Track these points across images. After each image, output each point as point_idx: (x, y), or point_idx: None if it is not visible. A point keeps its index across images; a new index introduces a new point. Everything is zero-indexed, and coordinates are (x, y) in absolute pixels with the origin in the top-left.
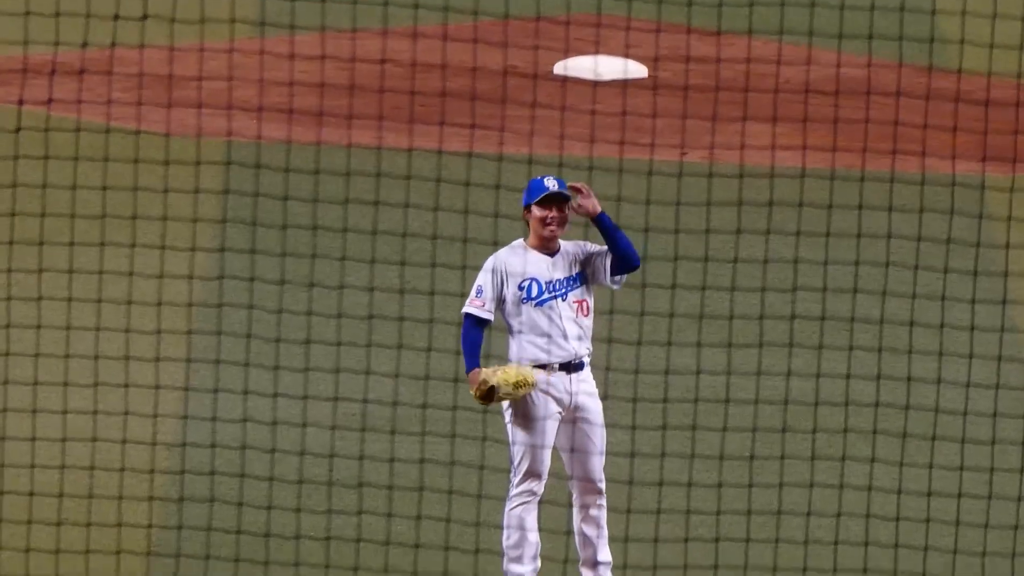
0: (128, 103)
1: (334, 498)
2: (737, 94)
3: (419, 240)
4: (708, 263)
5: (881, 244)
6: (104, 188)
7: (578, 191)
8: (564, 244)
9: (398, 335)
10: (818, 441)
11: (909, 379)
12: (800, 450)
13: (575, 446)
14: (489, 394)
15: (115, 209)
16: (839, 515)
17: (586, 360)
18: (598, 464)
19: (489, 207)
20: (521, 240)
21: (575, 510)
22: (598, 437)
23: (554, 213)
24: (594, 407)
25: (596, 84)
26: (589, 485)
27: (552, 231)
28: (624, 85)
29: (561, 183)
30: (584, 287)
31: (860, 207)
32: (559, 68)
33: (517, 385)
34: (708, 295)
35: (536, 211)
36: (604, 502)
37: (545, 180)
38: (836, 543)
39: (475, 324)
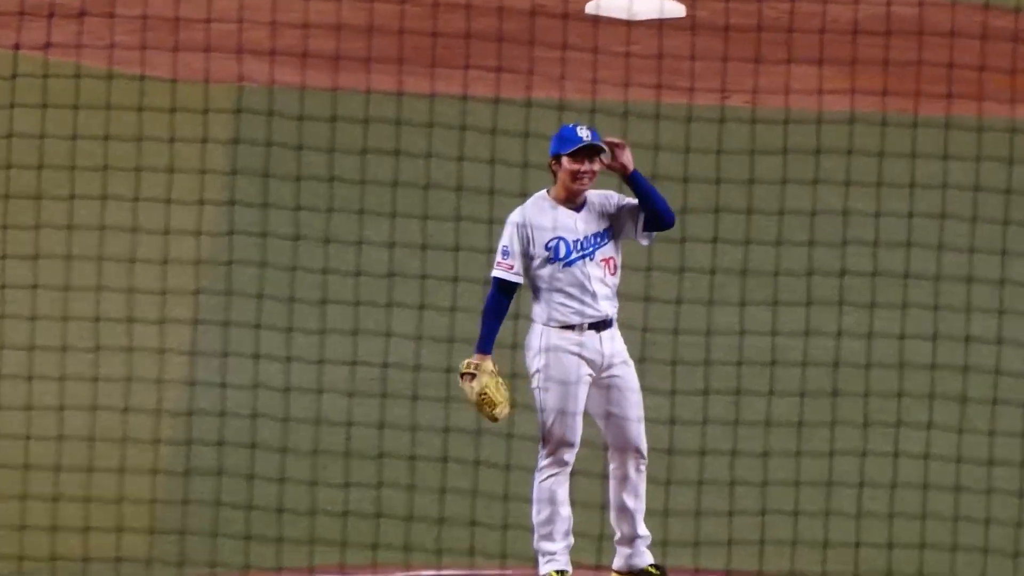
0: (131, 47)
1: (351, 470)
2: (781, 34)
3: (442, 192)
4: (751, 216)
5: (936, 194)
6: (106, 138)
7: (616, 146)
8: (590, 196)
9: (420, 294)
10: (871, 406)
11: (967, 339)
12: (852, 415)
13: (611, 410)
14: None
15: (117, 160)
16: (894, 486)
17: (614, 319)
18: (637, 428)
19: (517, 156)
20: (544, 192)
21: (611, 481)
22: (636, 399)
23: (587, 167)
24: (628, 368)
25: (630, 24)
26: (629, 450)
27: (583, 185)
28: (660, 25)
29: (595, 134)
30: (612, 243)
31: (913, 155)
32: (591, 7)
33: (488, 404)
34: (751, 250)
35: (567, 163)
36: (644, 468)
37: (578, 129)
38: (891, 515)
39: (502, 289)
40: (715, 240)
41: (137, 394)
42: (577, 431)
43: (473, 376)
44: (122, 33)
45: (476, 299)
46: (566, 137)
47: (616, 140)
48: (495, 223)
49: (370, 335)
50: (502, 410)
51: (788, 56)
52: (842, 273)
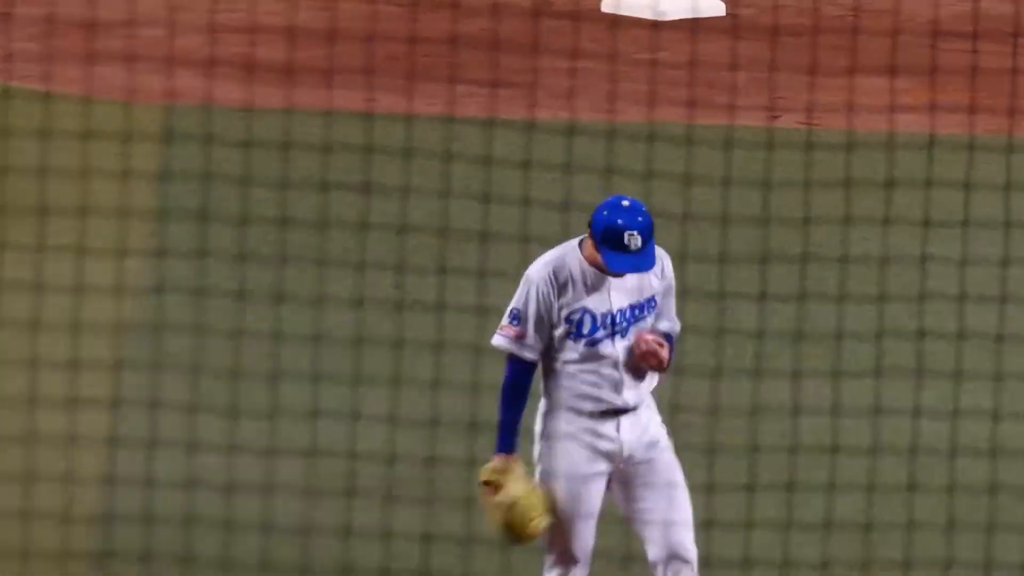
0: (32, 57)
1: None
2: (843, 37)
3: (422, 236)
4: (807, 264)
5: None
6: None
7: (649, 353)
8: None
9: (394, 364)
10: (957, 502)
11: None
12: (933, 515)
13: (639, 509)
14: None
15: (15, 199)
16: None
17: (646, 400)
18: (679, 532)
19: (516, 191)
20: (575, 244)
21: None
22: (674, 494)
23: (623, 278)
24: (661, 452)
25: (657, 25)
26: (670, 561)
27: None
28: (694, 26)
29: (646, 231)
30: (653, 316)
31: (1008, 187)
32: (608, 5)
33: (519, 520)
34: (807, 307)
35: (598, 257)
36: None
37: (627, 237)
38: None
39: (521, 366)
40: (763, 296)
41: (42, 495)
42: (587, 540)
43: (499, 487)
44: (21, 39)
45: (463, 371)
46: (610, 233)
47: (653, 345)
48: (490, 276)
49: (333, 417)
50: (538, 524)
51: (852, 65)
52: (920, 334)
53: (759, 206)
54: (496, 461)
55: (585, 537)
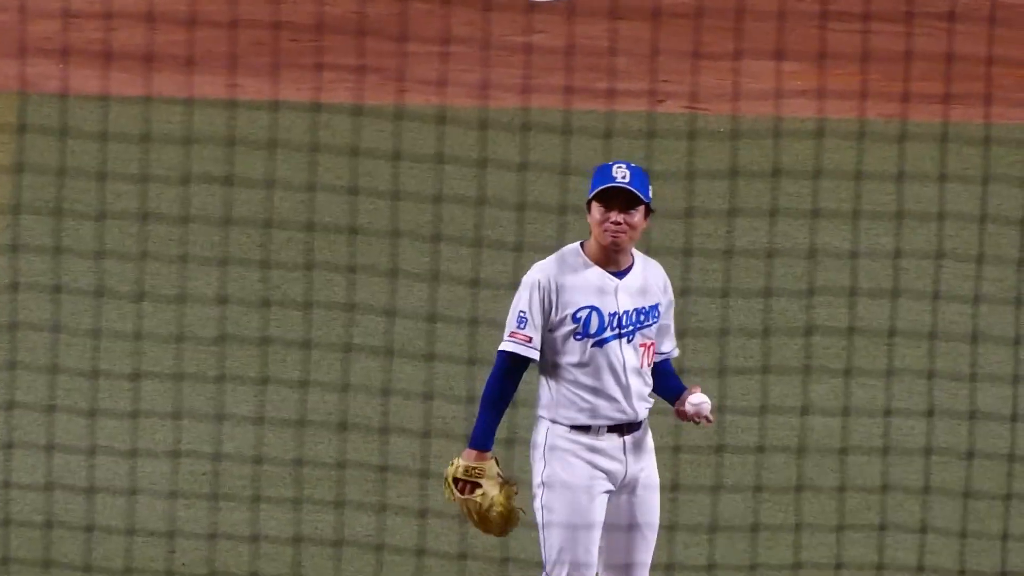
0: None
1: None
2: (728, 18)
3: (289, 231)
4: (692, 257)
5: (929, 228)
6: None
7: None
8: (639, 260)
9: (262, 361)
10: (849, 501)
11: None
12: (823, 515)
13: (614, 541)
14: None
15: None
16: None
17: (646, 421)
18: (646, 550)
19: (385, 182)
20: (577, 246)
21: None
22: (655, 514)
23: (618, 217)
24: (653, 477)
25: (533, 6)
26: None
27: (615, 238)
28: (571, 7)
29: (639, 174)
30: (655, 326)
31: (900, 176)
32: None
33: (500, 519)
34: (691, 301)
35: (595, 210)
36: None
37: (615, 168)
38: None
39: (512, 368)
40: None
41: None
42: (593, 551)
43: (474, 484)
44: None
45: (333, 370)
46: (596, 176)
47: (704, 414)
48: (358, 272)
49: (197, 418)
50: (513, 523)
51: (737, 47)
52: (808, 330)
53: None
54: (470, 460)
55: (593, 548)
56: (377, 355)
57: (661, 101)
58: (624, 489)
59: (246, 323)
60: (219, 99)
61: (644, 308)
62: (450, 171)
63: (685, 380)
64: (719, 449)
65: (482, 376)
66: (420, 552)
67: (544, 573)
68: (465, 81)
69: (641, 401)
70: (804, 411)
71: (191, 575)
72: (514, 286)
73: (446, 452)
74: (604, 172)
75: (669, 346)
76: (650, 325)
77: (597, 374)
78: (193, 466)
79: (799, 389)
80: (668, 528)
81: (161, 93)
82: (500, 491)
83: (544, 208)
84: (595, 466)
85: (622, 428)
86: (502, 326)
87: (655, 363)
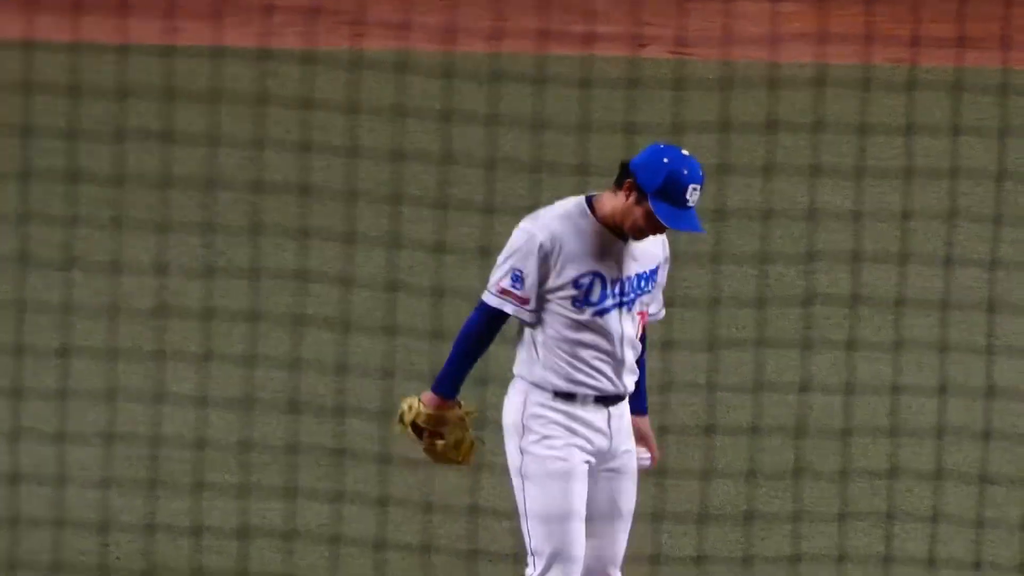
0: None
1: None
2: None
3: (234, 191)
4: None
5: (940, 186)
6: None
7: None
8: None
9: (204, 335)
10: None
11: None
12: (732, 502)
13: (597, 509)
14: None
15: None
16: None
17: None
18: (623, 536)
19: (340, 136)
20: (583, 202)
21: None
22: (631, 496)
23: (662, 236)
24: (634, 461)
25: None
26: (600, 565)
27: (638, 238)
28: None
29: (703, 179)
30: (650, 292)
31: (909, 129)
32: None
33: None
34: (678, 268)
35: (642, 212)
36: None
37: (690, 188)
38: None
39: (494, 320)
40: None
41: None
42: (579, 540)
43: (435, 434)
44: None
45: (282, 343)
46: (674, 185)
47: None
48: (311, 236)
49: (133, 397)
50: (473, 454)
51: None
52: (808, 299)
53: (623, 150)
54: (432, 407)
55: (579, 535)
56: (331, 327)
57: (644, 46)
58: (605, 471)
59: (187, 293)
60: (155, 45)
61: (646, 273)
62: (412, 124)
63: (673, 357)
64: (709, 430)
65: (446, 351)
66: (380, 544)
67: (529, 564)
68: (428, 24)
69: (631, 374)
70: (803, 387)
71: (127, 570)
72: (482, 251)
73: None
74: (678, 183)
75: (656, 307)
76: (650, 291)
77: (592, 344)
78: (128, 450)
79: (797, 363)
80: (653, 516)
81: (91, 39)
82: (460, 430)
83: (515, 165)
84: (576, 434)
85: (608, 399)
86: (468, 295)
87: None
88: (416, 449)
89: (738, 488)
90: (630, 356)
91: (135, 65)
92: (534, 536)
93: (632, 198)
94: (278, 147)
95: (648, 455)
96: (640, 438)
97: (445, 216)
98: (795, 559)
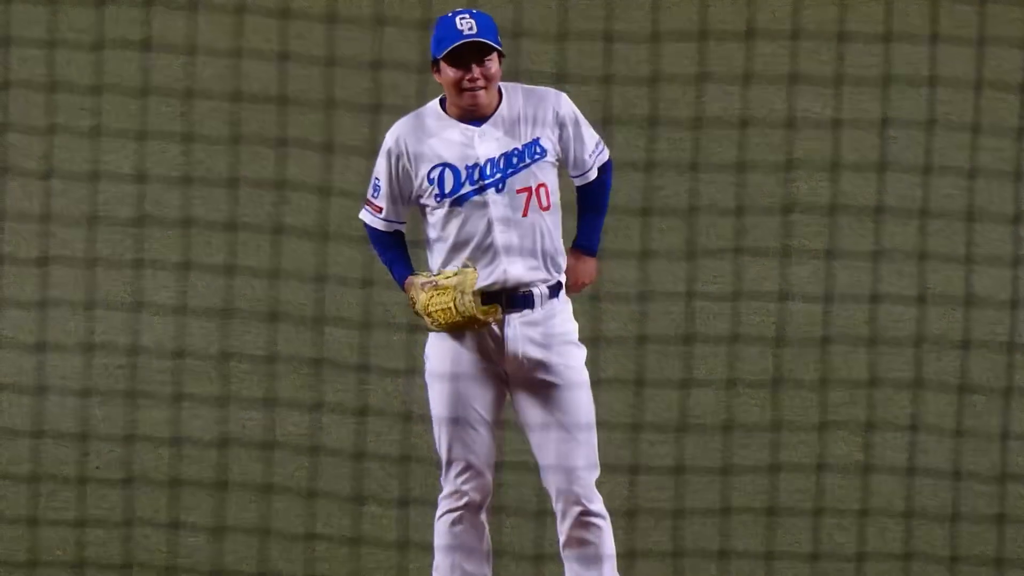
0: None
1: None
2: None
3: (213, 100)
4: (658, 127)
5: (919, 94)
6: None
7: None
8: (510, 95)
9: (184, 243)
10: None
11: None
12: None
13: (530, 423)
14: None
15: None
16: None
17: (544, 289)
18: (577, 454)
19: (319, 46)
20: (435, 104)
21: (558, 527)
22: (581, 413)
23: (475, 73)
24: (560, 359)
25: None
26: (564, 490)
27: (474, 98)
28: None
29: (483, 21)
30: (542, 164)
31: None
32: None
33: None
34: (655, 176)
35: (447, 70)
36: (598, 521)
37: (458, 20)
38: None
39: (378, 235)
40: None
41: None
42: (472, 447)
43: (444, 306)
44: None
45: (261, 254)
46: (441, 32)
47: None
48: (289, 146)
49: (112, 306)
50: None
51: None
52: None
53: (601, 58)
54: (413, 290)
55: (466, 441)
56: (310, 237)
57: None
58: (519, 368)
59: (166, 201)
60: None
61: (517, 149)
62: (391, 34)
63: (651, 266)
64: (688, 339)
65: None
66: (359, 455)
67: (440, 469)
68: None
69: (520, 258)
70: (782, 296)
71: (106, 479)
72: None
73: (386, 343)
74: (447, 26)
75: (588, 161)
76: (528, 165)
77: (459, 234)
78: (107, 359)
79: (776, 272)
80: (632, 426)
81: None
82: (462, 280)
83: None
84: (463, 344)
85: (498, 296)
86: None
87: (580, 189)
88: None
89: (718, 397)
90: (509, 239)
91: None
92: (438, 440)
93: (439, 74)
94: (257, 56)
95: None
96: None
97: None
98: (775, 468)
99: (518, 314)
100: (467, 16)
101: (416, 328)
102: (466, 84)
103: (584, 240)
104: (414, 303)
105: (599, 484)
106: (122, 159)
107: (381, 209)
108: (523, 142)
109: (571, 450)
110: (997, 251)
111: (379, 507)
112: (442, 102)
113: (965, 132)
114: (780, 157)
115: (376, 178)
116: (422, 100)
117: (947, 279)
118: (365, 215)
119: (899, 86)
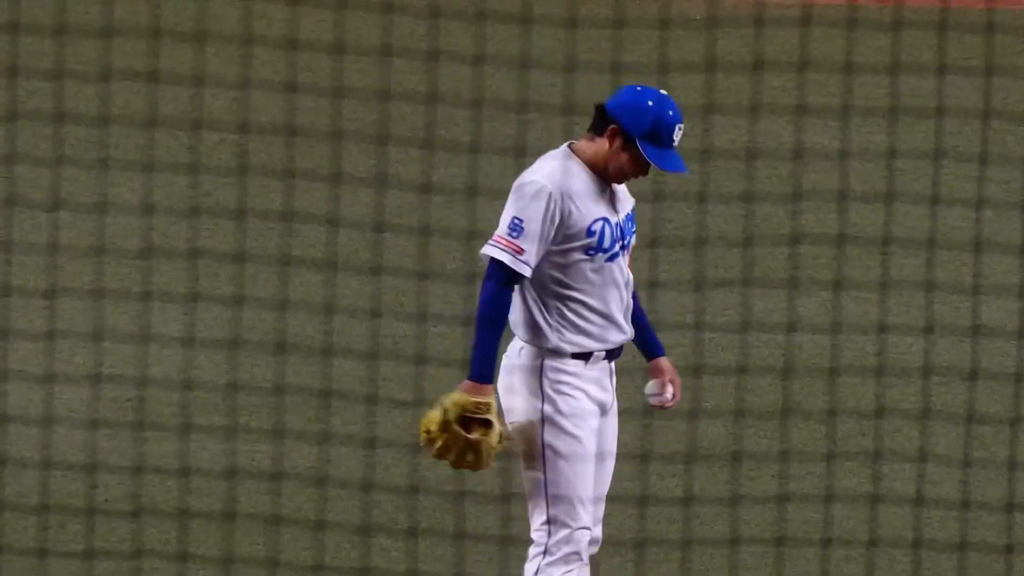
0: None
1: None
2: None
3: (220, 132)
4: None
5: (927, 125)
6: None
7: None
8: None
9: (192, 276)
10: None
11: None
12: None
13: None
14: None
15: None
16: None
17: None
18: (606, 479)
19: (326, 77)
20: (567, 150)
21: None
22: (610, 465)
23: (643, 174)
24: (613, 418)
25: None
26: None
27: (622, 181)
28: None
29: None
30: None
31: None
32: None
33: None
34: (664, 208)
35: (631, 157)
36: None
37: (677, 131)
38: None
39: (509, 279)
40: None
41: None
42: (591, 486)
43: (484, 422)
44: None
45: (269, 286)
46: (657, 124)
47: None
48: (297, 177)
49: (120, 339)
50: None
51: None
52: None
53: (609, 89)
54: (476, 395)
55: (591, 483)
56: (319, 268)
57: None
58: (602, 417)
59: (174, 234)
60: None
61: (630, 214)
62: (399, 65)
63: (660, 297)
64: (697, 370)
65: (434, 291)
66: (367, 486)
67: (545, 532)
68: None
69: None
70: (790, 328)
71: (115, 512)
72: (468, 191)
73: (395, 375)
74: (667, 125)
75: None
76: (634, 232)
77: (604, 293)
78: (116, 392)
79: (785, 303)
80: (641, 457)
81: None
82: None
83: (502, 105)
84: (589, 397)
85: (613, 352)
86: (455, 236)
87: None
88: (450, 452)
89: (726, 428)
90: (627, 299)
91: (121, 5)
92: (548, 495)
93: (617, 143)
94: (265, 88)
95: (671, 392)
96: (660, 374)
97: (431, 156)
98: (783, 499)
99: (615, 362)
100: (682, 127)
101: (424, 360)
102: (630, 174)
103: (658, 343)
104: (481, 406)
105: (606, 515)
106: (129, 191)
107: (523, 251)
108: (631, 207)
109: (606, 477)
110: (1005, 282)
111: (388, 538)
112: (571, 148)
113: (973, 163)
114: (788, 189)
115: (517, 219)
116: (430, 132)
117: (955, 310)
118: (502, 255)
119: (907, 117)
